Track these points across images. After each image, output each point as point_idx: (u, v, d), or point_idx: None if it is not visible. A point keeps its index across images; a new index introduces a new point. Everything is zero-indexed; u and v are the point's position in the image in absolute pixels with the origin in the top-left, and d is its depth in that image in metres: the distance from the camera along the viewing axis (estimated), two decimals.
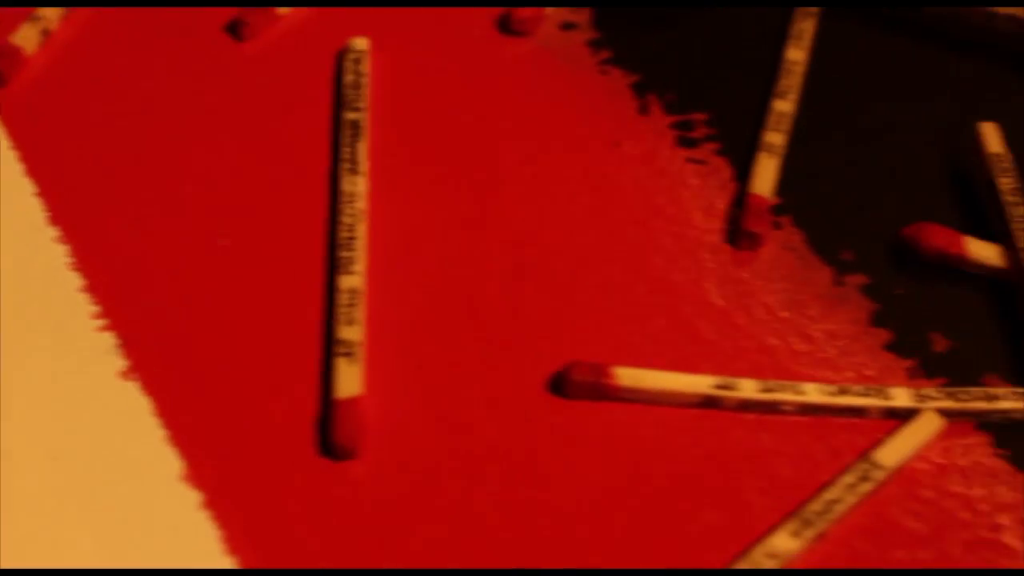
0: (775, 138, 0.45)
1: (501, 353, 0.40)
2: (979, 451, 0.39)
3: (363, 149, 0.44)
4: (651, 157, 0.46)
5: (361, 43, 0.47)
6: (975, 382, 0.40)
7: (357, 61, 0.46)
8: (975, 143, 0.45)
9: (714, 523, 0.37)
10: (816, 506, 0.37)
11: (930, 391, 0.40)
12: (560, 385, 0.39)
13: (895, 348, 0.42)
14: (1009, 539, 0.38)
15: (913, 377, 0.41)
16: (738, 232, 0.43)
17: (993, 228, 0.44)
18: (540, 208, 0.44)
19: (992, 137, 0.45)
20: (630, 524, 0.37)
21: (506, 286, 0.42)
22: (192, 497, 0.36)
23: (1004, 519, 0.38)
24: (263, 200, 0.43)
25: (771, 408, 0.39)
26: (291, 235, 0.42)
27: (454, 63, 0.48)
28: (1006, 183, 0.44)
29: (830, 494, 0.37)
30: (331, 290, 0.41)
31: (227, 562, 0.35)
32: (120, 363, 0.39)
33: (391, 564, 0.35)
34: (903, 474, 0.39)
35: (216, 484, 0.37)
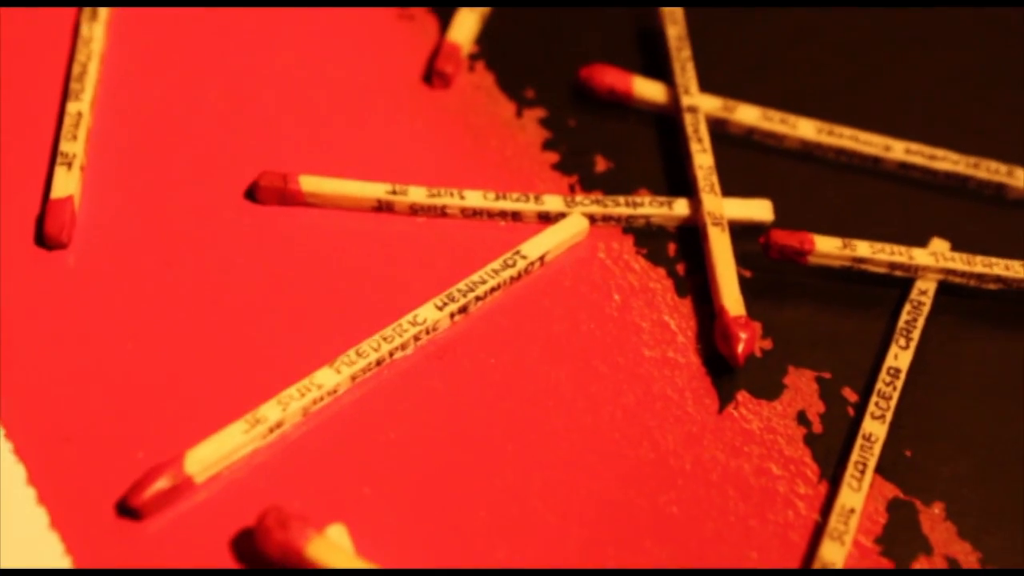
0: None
1: (206, 166, 0.46)
2: (622, 250, 0.45)
3: None
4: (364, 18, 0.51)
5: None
6: (627, 195, 0.46)
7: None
8: None
9: (380, 305, 0.43)
10: (462, 286, 0.43)
11: (580, 198, 0.46)
12: (253, 192, 0.45)
13: (560, 167, 0.47)
14: (636, 318, 0.44)
15: (573, 191, 0.47)
16: (432, 72, 0.49)
17: (663, 70, 0.50)
18: (254, 42, 0.49)
19: None
20: (310, 306, 0.42)
21: (218, 110, 0.47)
22: None
23: (636, 302, 0.44)
24: None
25: (438, 212, 0.45)
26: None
27: None
28: (673, 31, 0.50)
29: (476, 277, 0.43)
30: (61, 114, 0.46)
31: None
32: None
33: (96, 341, 0.41)
34: (551, 266, 0.45)
35: None
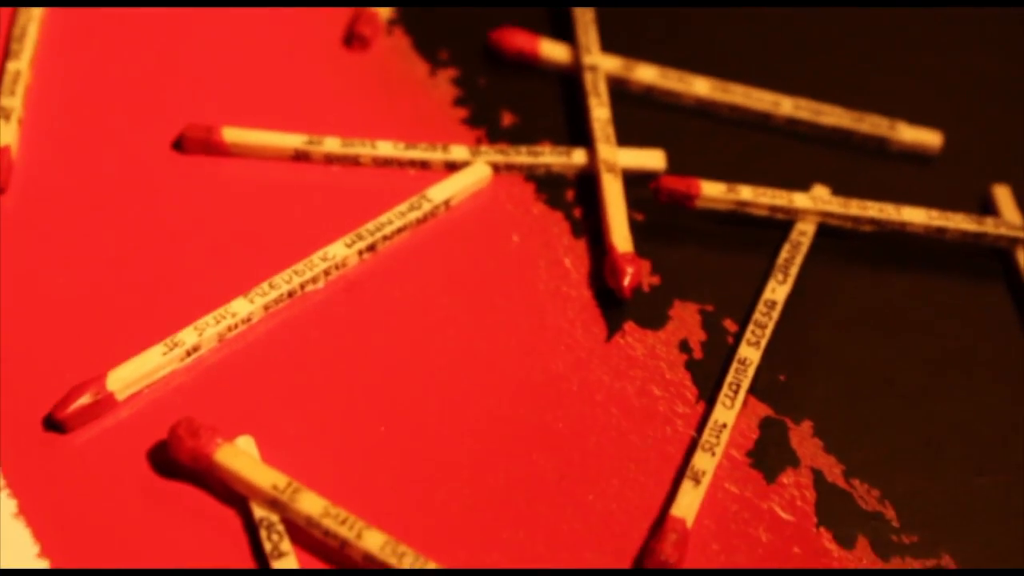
0: None
1: (136, 119, 0.49)
2: (523, 196, 0.49)
3: None
4: None
5: None
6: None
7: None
8: None
9: (296, 246, 0.46)
10: (370, 225, 0.46)
11: (485, 148, 0.49)
12: (180, 143, 0.48)
13: (468, 122, 0.51)
14: (533, 257, 0.47)
15: (479, 142, 0.50)
16: (351, 35, 0.52)
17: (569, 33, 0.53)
18: (187, 6, 0.52)
19: None
20: (229, 246, 0.46)
21: (149, 69, 0.50)
22: None
23: (533, 242, 0.47)
24: None
25: (352, 161, 0.49)
26: None
27: None
28: None
29: (383, 218, 0.47)
30: (1, 72, 0.49)
31: None
32: None
33: (28, 274, 0.44)
34: (456, 210, 0.48)
35: None
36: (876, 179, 0.51)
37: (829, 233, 0.49)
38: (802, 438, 0.44)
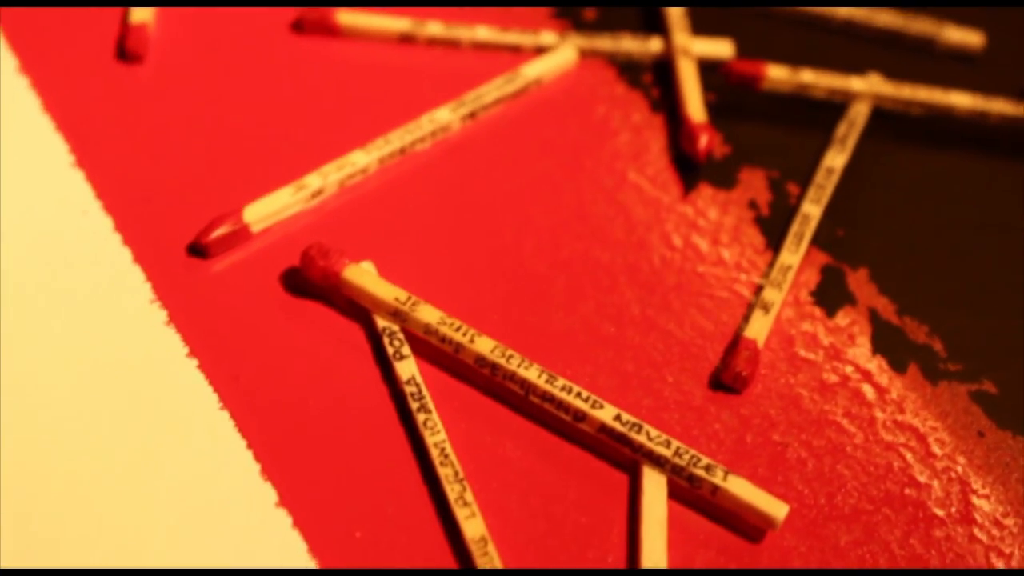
0: None
1: (258, 5, 0.55)
2: (606, 77, 0.54)
3: None
4: None
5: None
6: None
7: None
8: None
9: (404, 114, 0.51)
10: (471, 94, 0.52)
11: (572, 35, 0.54)
12: (299, 24, 0.54)
13: (559, 15, 0.56)
14: (615, 127, 0.52)
15: (566, 31, 0.55)
16: None
17: None
18: None
19: None
20: (347, 111, 0.51)
21: None
22: None
23: (615, 114, 0.53)
24: None
25: (453, 44, 0.54)
26: None
27: None
28: None
29: (483, 88, 0.52)
30: None
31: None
32: None
33: (170, 129, 0.49)
34: (545, 89, 0.53)
35: None
36: (924, 74, 0.56)
37: (882, 116, 0.54)
38: (859, 282, 0.49)
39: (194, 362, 0.44)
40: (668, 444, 0.42)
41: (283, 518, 0.41)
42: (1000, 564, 0.42)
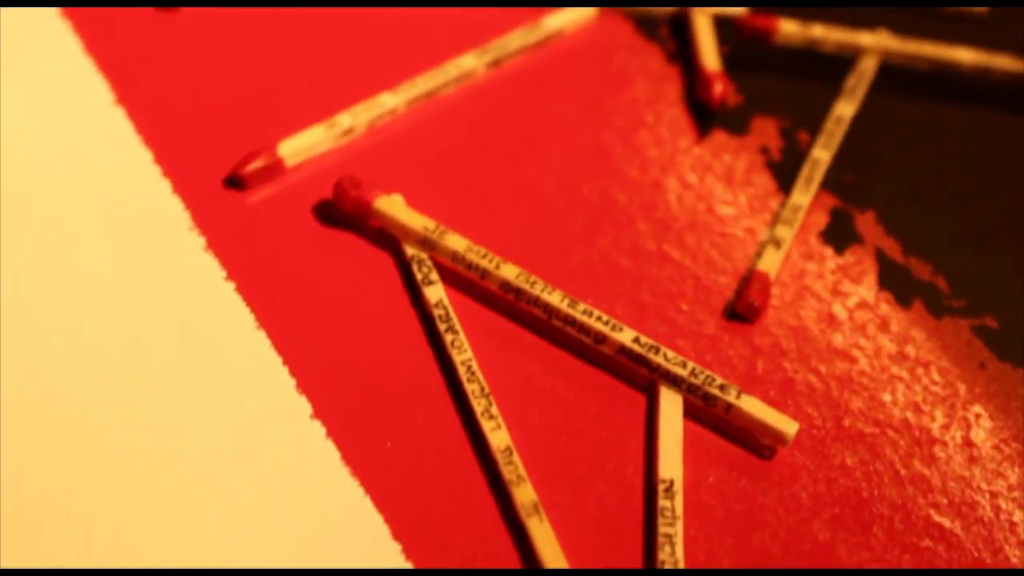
0: None
1: None
2: (625, 29, 0.56)
3: None
4: None
5: None
6: None
7: None
8: None
9: (432, 58, 0.53)
10: (496, 42, 0.54)
11: None
12: None
13: None
14: (632, 74, 0.55)
15: None
16: None
17: None
18: None
19: None
20: (378, 56, 0.53)
21: None
22: None
23: (633, 63, 0.55)
24: None
25: None
26: None
27: None
28: None
29: (507, 37, 0.54)
30: None
31: None
32: None
33: (210, 67, 0.51)
34: (566, 40, 0.56)
35: None
36: (930, 32, 0.58)
37: (890, 71, 0.56)
38: (866, 224, 0.51)
39: (232, 285, 0.46)
40: (684, 365, 0.44)
41: (317, 429, 0.43)
42: (1001, 484, 0.44)
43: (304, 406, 0.43)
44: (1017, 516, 0.43)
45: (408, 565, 0.40)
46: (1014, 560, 0.42)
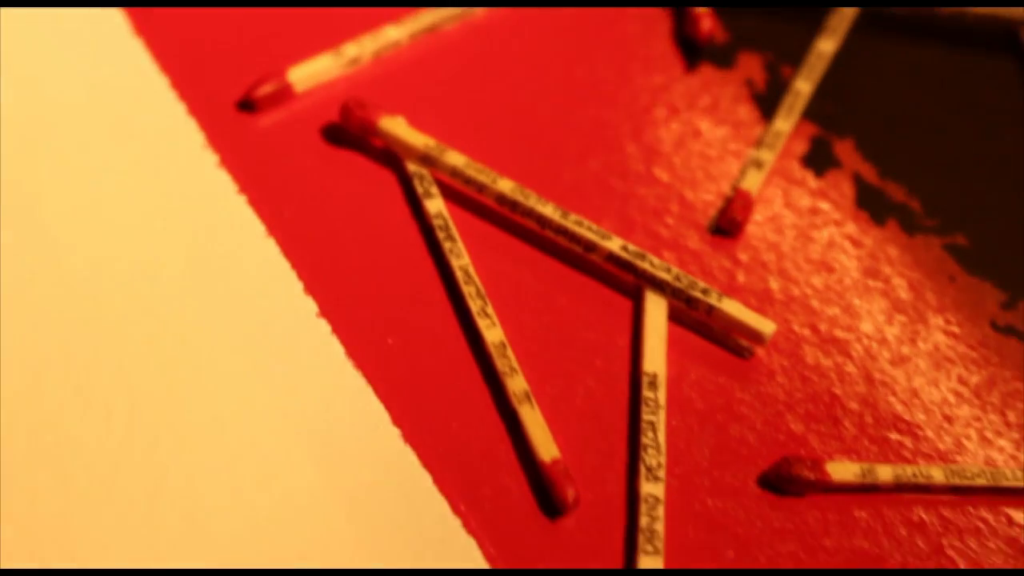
0: None
1: None
2: None
3: None
4: None
5: None
6: None
7: None
8: None
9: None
10: None
11: None
12: None
13: None
14: (627, 25, 0.57)
15: None
16: None
17: None
18: None
19: None
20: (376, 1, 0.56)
21: None
22: None
23: (624, 11, 0.58)
24: None
25: None
26: None
27: None
28: None
29: None
30: None
31: None
32: None
33: (224, 12, 0.54)
34: None
35: None
36: None
37: (871, 13, 0.59)
38: (845, 150, 0.54)
39: (243, 198, 0.49)
40: (669, 270, 0.47)
41: (323, 326, 0.46)
42: (966, 388, 0.47)
43: (311, 305, 0.46)
44: (978, 413, 0.46)
45: (406, 448, 0.43)
46: (970, 449, 0.45)
